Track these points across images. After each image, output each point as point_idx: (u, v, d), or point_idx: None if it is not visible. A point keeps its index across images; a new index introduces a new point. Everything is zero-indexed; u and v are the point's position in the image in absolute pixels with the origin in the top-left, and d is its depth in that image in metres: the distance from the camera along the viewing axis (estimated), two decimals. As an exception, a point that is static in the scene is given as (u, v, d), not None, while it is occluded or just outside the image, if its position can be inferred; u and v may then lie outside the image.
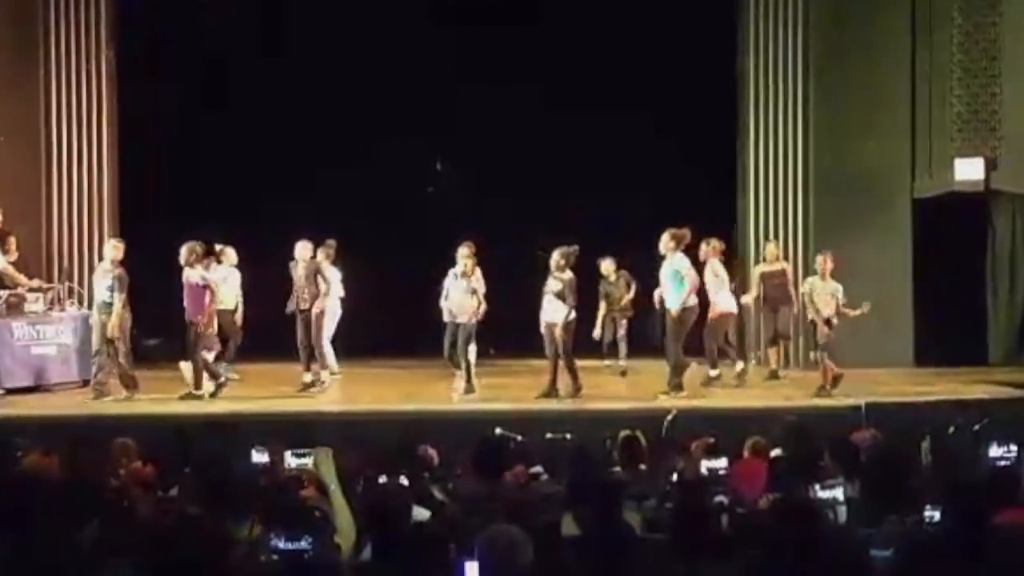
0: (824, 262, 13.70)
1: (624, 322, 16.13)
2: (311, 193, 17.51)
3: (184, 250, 13.68)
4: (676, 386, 13.35)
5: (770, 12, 16.50)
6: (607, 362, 16.10)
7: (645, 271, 14.98)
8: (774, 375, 15.15)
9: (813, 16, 16.23)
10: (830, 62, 16.18)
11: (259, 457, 7.70)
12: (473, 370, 14.04)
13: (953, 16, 16.22)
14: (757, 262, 15.88)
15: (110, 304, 13.48)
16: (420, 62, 17.49)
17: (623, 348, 16.16)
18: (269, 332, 15.18)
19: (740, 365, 14.64)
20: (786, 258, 15.91)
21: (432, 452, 8.63)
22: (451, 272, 14.36)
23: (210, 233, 14.63)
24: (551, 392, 13.42)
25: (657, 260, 13.73)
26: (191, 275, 13.72)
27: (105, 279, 13.59)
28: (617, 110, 17.20)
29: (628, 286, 16.09)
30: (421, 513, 6.50)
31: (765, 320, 15.43)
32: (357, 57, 17.42)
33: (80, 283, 15.73)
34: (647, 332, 16.27)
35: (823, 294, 13.55)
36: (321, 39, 17.47)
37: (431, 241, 16.26)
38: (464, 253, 14.18)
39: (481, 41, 17.45)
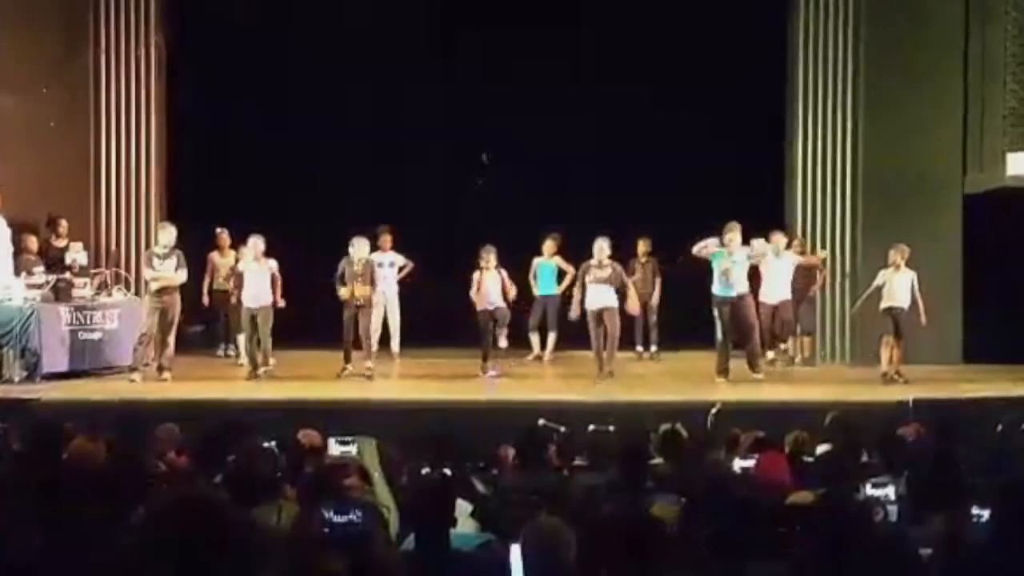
0: (899, 255, 14.19)
1: (654, 311, 16.46)
2: (340, 187, 17.63)
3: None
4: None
5: (820, 7, 16.35)
6: (639, 350, 16.42)
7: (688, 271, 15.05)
8: (791, 362, 15.80)
9: (864, 10, 16.07)
10: (880, 57, 16.01)
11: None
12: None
13: (1007, 9, 16.00)
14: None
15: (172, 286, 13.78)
16: (465, 65, 17.72)
17: (654, 335, 16.51)
18: (301, 320, 15.41)
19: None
20: (833, 254, 16.15)
21: (511, 451, 8.60)
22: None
23: (238, 225, 15.13)
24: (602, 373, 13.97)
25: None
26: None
27: (169, 260, 13.82)
28: (662, 110, 17.12)
29: (655, 273, 16.48)
30: (463, 506, 6.47)
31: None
32: (385, 55, 17.49)
33: (127, 269, 15.82)
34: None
35: (900, 285, 14.11)
36: (343, 38, 17.50)
37: (465, 232, 16.45)
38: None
39: (519, 44, 17.59)
